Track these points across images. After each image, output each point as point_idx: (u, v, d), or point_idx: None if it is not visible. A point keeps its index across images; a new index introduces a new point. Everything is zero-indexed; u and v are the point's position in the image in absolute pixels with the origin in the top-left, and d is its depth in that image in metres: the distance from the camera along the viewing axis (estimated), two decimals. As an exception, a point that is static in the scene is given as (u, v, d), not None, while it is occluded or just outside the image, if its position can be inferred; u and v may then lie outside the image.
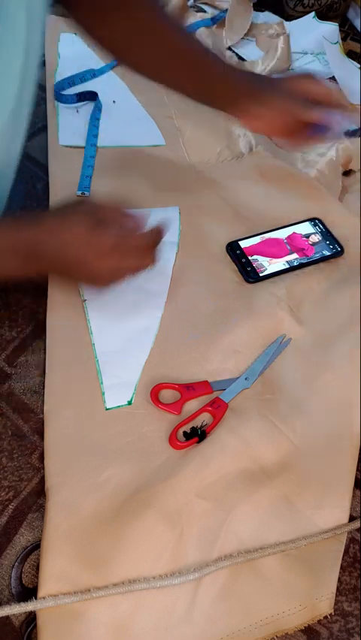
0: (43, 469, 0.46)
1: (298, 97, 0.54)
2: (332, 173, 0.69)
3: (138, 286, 0.58)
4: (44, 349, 0.53)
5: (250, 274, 0.59)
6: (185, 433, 0.47)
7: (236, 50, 0.90)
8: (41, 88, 0.80)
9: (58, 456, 0.46)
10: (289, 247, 0.62)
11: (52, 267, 0.50)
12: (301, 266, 0.60)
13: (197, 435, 0.47)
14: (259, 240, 0.62)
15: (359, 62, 0.88)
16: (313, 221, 0.64)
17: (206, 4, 0.98)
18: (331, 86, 0.56)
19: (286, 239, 0.63)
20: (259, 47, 0.90)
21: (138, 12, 0.52)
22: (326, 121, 0.54)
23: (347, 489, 0.46)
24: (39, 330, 0.55)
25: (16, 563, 0.42)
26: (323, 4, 0.93)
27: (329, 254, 0.61)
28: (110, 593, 0.39)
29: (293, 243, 0.62)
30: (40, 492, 0.45)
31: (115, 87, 0.75)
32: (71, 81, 0.78)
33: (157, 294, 0.57)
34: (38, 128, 0.75)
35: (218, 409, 0.49)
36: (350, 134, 0.64)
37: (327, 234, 0.63)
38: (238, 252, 0.61)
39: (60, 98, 0.77)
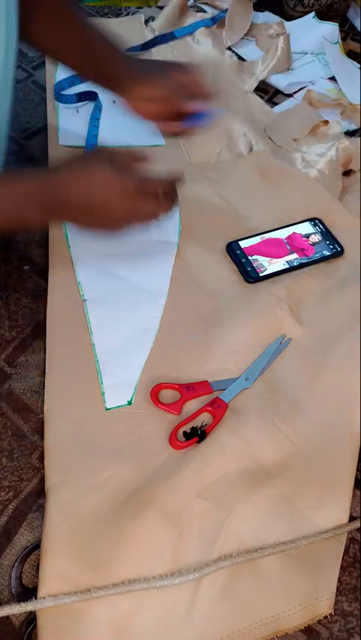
0: (43, 469, 0.46)
1: (179, 87, 0.58)
2: (332, 173, 0.69)
3: (137, 286, 0.58)
4: (44, 349, 0.53)
5: (250, 274, 0.59)
6: (185, 433, 0.47)
7: (236, 50, 0.90)
8: (41, 88, 0.81)
9: (58, 456, 0.46)
10: (289, 247, 0.62)
11: (74, 213, 0.51)
12: (301, 266, 0.60)
13: (197, 435, 0.47)
14: (259, 240, 0.62)
15: (359, 62, 0.88)
16: (313, 221, 0.64)
17: (206, 4, 0.98)
18: (206, 80, 0.60)
19: (286, 239, 0.63)
20: (259, 47, 0.90)
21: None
22: (198, 113, 0.59)
23: (347, 489, 0.46)
24: (39, 330, 0.55)
25: (16, 563, 0.42)
26: (323, 4, 0.93)
27: (329, 254, 0.61)
28: (110, 593, 0.39)
29: (293, 243, 0.62)
30: (40, 492, 0.45)
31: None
32: (71, 81, 0.78)
33: (157, 294, 0.57)
34: (38, 128, 0.75)
35: (218, 409, 0.49)
36: (350, 134, 0.65)
37: (327, 234, 0.63)
38: (238, 252, 0.61)
39: (60, 98, 0.77)
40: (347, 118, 0.79)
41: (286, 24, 0.92)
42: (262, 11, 0.96)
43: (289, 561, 0.42)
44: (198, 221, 0.64)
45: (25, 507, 0.45)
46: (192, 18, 0.93)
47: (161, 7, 0.96)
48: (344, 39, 0.94)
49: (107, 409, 0.49)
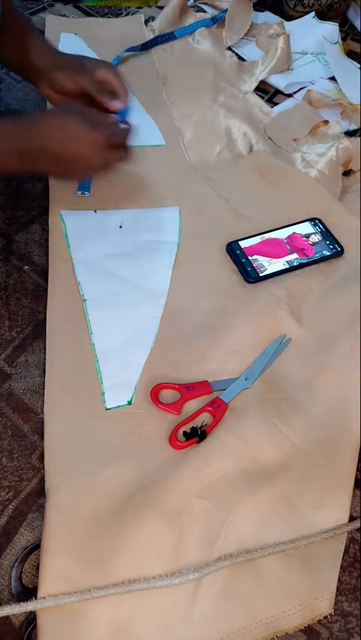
0: (43, 469, 0.46)
1: (100, 83, 0.65)
2: (332, 173, 0.69)
3: (138, 286, 0.58)
4: (44, 349, 0.53)
5: (250, 274, 0.59)
6: (185, 433, 0.47)
7: (236, 50, 0.90)
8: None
9: (58, 456, 0.46)
10: (289, 247, 0.62)
11: (49, 162, 0.57)
12: (301, 266, 0.60)
13: (197, 435, 0.47)
14: (259, 240, 0.62)
15: (359, 62, 0.88)
16: (313, 221, 0.64)
17: (206, 4, 0.98)
18: (121, 79, 0.67)
19: (286, 239, 0.63)
20: (259, 47, 0.90)
21: None
22: (110, 107, 0.65)
23: (347, 489, 0.46)
24: (39, 330, 0.55)
25: (16, 563, 0.42)
26: (323, 4, 0.93)
27: (329, 254, 0.61)
28: (110, 592, 0.39)
29: (293, 243, 0.62)
30: (40, 492, 0.45)
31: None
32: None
33: (157, 294, 0.57)
34: (38, 128, 0.75)
35: (218, 409, 0.49)
36: (350, 134, 0.66)
37: (327, 234, 0.63)
38: (238, 252, 0.61)
39: (60, 97, 0.77)
40: (347, 118, 0.79)
41: (286, 24, 0.92)
42: (262, 11, 0.96)
43: (289, 561, 0.42)
44: (198, 221, 0.64)
45: (25, 507, 0.45)
46: (192, 18, 0.93)
47: (161, 7, 0.96)
48: (344, 39, 0.95)
49: (107, 409, 0.49)
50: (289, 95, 0.83)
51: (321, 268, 0.61)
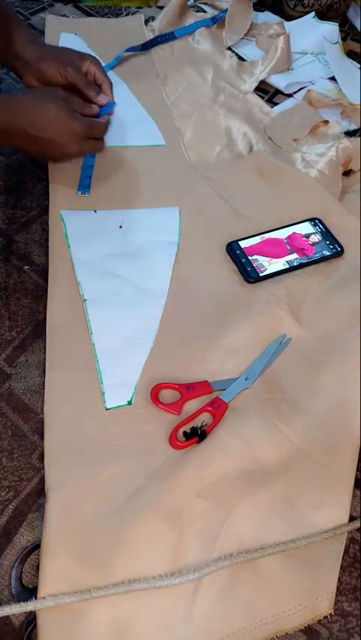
0: (43, 469, 0.46)
1: (87, 75, 0.69)
2: (332, 173, 0.69)
3: (137, 286, 0.58)
4: (44, 349, 0.53)
5: (250, 274, 0.59)
6: (185, 433, 0.47)
7: (236, 50, 0.90)
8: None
9: (58, 456, 0.46)
10: (289, 247, 0.62)
11: (26, 142, 0.60)
12: (301, 266, 0.60)
13: (197, 435, 0.47)
14: (259, 240, 0.62)
15: (359, 62, 0.88)
16: (313, 221, 0.64)
17: (206, 4, 0.98)
18: (105, 72, 0.71)
19: (286, 239, 0.63)
20: (259, 47, 0.90)
21: None
22: (98, 102, 0.69)
23: (347, 489, 0.46)
24: (39, 330, 0.55)
25: (16, 563, 0.42)
26: (323, 4, 0.93)
27: (329, 254, 0.61)
28: (110, 592, 0.39)
29: (293, 243, 0.62)
30: (40, 492, 0.45)
31: (115, 87, 0.75)
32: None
33: (157, 294, 0.57)
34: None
35: (218, 409, 0.49)
36: (350, 134, 0.66)
37: (327, 234, 0.63)
38: (238, 252, 0.61)
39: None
40: (347, 118, 0.79)
41: (286, 24, 0.92)
42: (262, 11, 0.96)
43: (289, 561, 0.42)
44: (198, 221, 0.64)
45: (25, 507, 0.45)
46: (192, 18, 0.93)
47: (161, 7, 0.96)
48: (344, 39, 0.95)
49: (107, 409, 0.49)
50: (289, 95, 0.84)
51: (321, 268, 0.61)
